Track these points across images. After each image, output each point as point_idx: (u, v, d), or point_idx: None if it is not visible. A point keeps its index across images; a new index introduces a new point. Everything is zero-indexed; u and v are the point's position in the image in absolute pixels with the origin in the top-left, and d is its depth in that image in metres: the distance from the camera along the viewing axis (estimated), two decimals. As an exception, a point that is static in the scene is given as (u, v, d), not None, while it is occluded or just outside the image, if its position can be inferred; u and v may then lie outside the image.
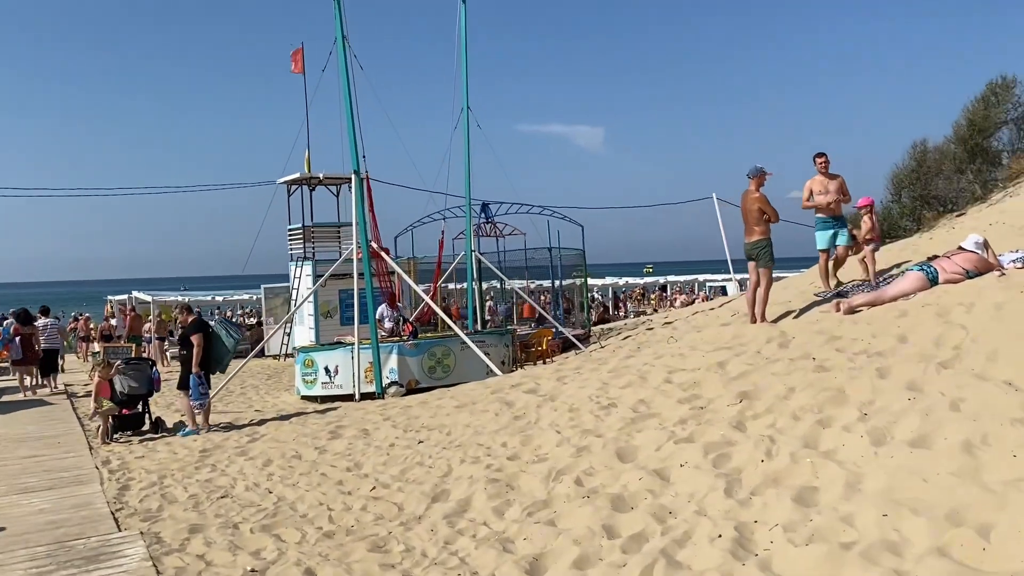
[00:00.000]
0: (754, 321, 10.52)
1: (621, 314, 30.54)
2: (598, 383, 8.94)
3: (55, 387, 16.94)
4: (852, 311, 8.77)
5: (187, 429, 10.65)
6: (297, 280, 24.57)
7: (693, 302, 27.24)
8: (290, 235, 26.19)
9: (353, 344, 13.86)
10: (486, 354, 14.00)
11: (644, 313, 32.53)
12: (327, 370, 13.78)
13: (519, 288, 20.77)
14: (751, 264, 10.39)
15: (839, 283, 10.79)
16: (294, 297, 24.84)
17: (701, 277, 39.62)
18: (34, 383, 16.57)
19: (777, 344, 8.31)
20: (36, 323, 18.41)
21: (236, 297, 29.77)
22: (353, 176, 13.03)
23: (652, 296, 37.05)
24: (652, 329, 19.45)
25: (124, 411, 10.94)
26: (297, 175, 24.80)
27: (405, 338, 14.48)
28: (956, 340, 6.35)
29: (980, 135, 20.06)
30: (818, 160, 10.42)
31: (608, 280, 39.63)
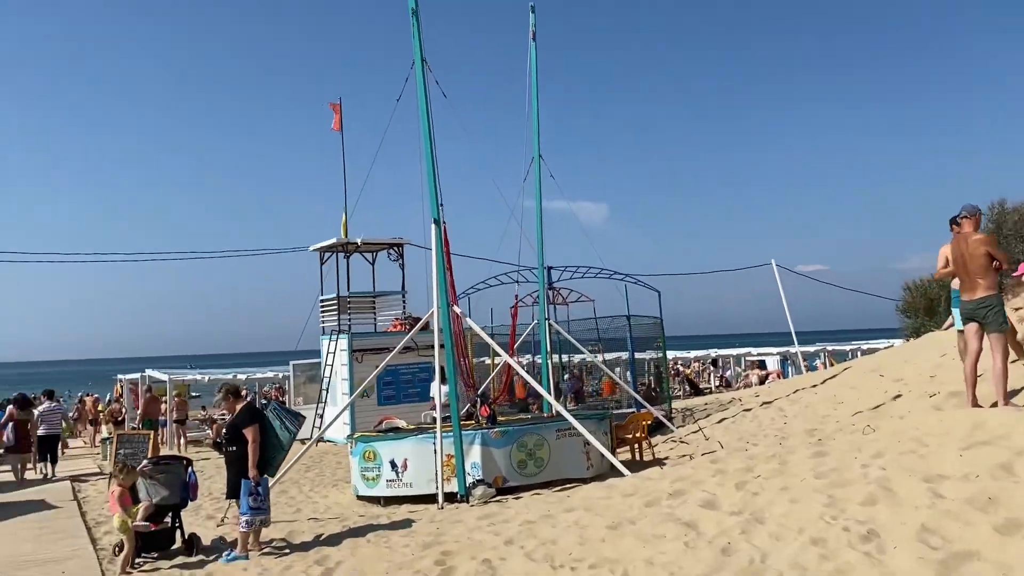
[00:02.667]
0: (975, 403, 8.06)
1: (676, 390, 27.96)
2: (813, 493, 6.44)
3: (51, 475, 16.01)
4: None
5: (233, 553, 8.06)
6: (331, 355, 22.16)
7: (767, 378, 24.77)
8: (323, 306, 23.89)
9: (427, 432, 11.32)
10: (585, 444, 11.44)
11: (708, 390, 29.91)
12: (393, 464, 11.21)
13: (597, 362, 18.22)
14: (971, 328, 7.97)
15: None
16: (326, 374, 22.40)
17: (733, 352, 37.12)
18: (23, 470, 15.81)
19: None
20: (38, 407, 17.29)
21: (260, 375, 27.29)
22: (433, 227, 10.72)
23: (690, 370, 34.40)
24: (751, 410, 16.93)
25: (150, 526, 8.39)
26: (333, 241, 22.66)
27: (484, 423, 11.96)
28: None
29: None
30: (956, 225, 8.25)
31: (648, 354, 37.02)
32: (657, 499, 7.55)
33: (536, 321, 16.02)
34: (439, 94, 11.11)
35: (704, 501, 7.02)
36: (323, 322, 23.70)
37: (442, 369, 16.58)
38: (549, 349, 15.54)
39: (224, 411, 9.09)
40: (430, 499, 10.77)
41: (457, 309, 11.26)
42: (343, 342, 22.00)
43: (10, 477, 16.15)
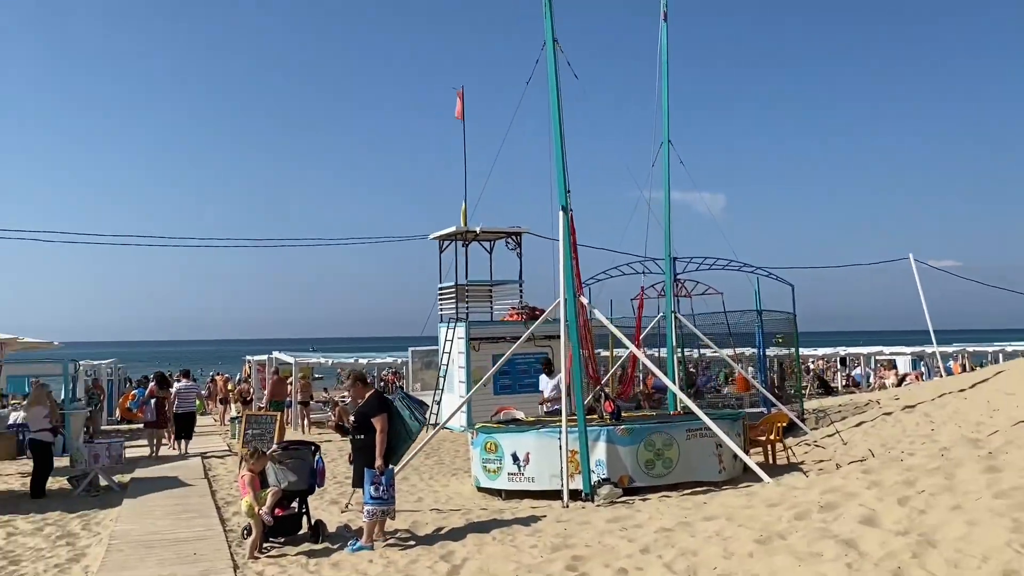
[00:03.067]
0: None
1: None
2: (994, 516, 5.71)
3: (184, 451, 16.84)
4: None
5: (358, 543, 7.95)
6: (449, 343, 22.18)
7: (904, 379, 23.24)
8: (441, 294, 23.96)
9: (549, 425, 10.98)
10: (717, 445, 10.83)
11: (836, 390, 28.41)
12: (515, 458, 10.93)
13: (727, 358, 17.44)
14: None
15: None
16: (443, 361, 22.45)
17: (865, 350, 35.06)
18: (159, 445, 16.88)
19: None
20: (175, 386, 18.10)
21: (379, 360, 27.73)
22: (560, 214, 10.32)
23: (817, 368, 32.70)
24: (891, 413, 15.79)
25: (278, 511, 8.39)
26: (452, 229, 22.65)
27: (608, 418, 11.52)
28: None
29: None
30: None
31: (771, 351, 35.52)
32: (807, 511, 6.93)
33: (661, 314, 15.41)
34: (568, 77, 10.70)
35: (863, 517, 6.37)
36: (441, 310, 23.77)
37: (548, 362, 16.26)
38: (675, 343, 14.91)
39: (349, 395, 8.99)
40: (552, 495, 10.44)
41: (584, 300, 10.83)
42: (460, 330, 21.98)
43: (147, 451, 17.00)
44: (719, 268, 17.30)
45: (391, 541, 8.27)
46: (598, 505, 9.70)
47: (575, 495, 10.08)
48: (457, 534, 8.42)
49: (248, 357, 34.70)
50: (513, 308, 23.12)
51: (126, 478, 13.71)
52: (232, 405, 29.19)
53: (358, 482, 8.01)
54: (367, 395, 8.19)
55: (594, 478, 10.24)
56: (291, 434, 19.72)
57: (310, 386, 25.00)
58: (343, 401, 26.39)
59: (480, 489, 11.48)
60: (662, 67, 14.73)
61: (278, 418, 16.62)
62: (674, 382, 14.05)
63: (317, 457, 8.44)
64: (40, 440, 12.34)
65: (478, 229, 22.39)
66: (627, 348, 19.24)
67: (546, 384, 15.54)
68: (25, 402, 16.25)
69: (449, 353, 22.19)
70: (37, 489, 12.18)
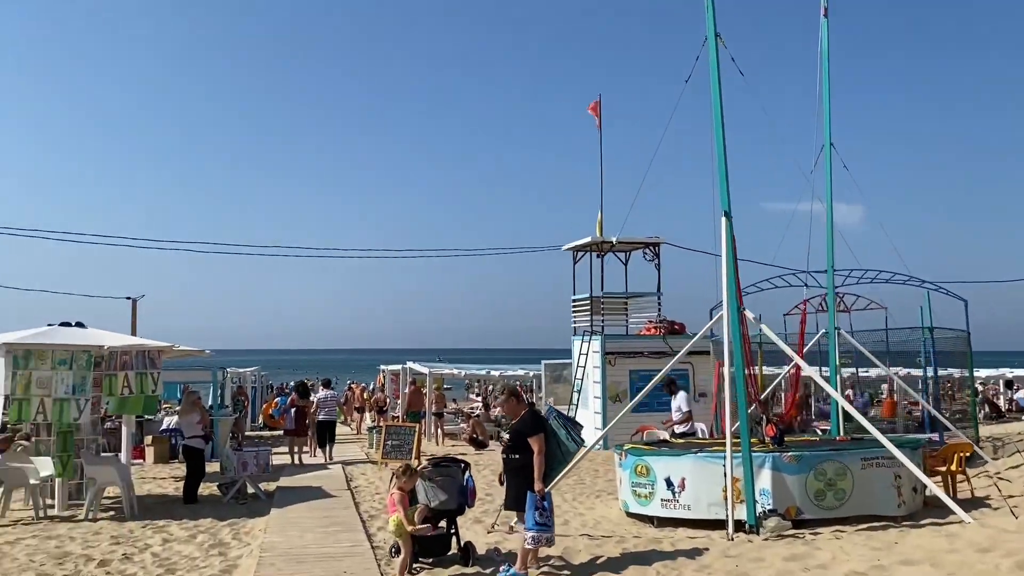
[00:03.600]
0: None
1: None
2: None
3: (329, 457, 17.28)
4: None
5: (511, 569, 7.49)
6: (583, 356, 21.62)
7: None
8: (575, 306, 23.46)
9: (708, 449, 10.23)
10: (896, 476, 9.78)
11: (1004, 416, 26.01)
12: (668, 483, 10.23)
13: (896, 377, 16.10)
14: None
15: None
16: (578, 375, 21.92)
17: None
18: (300, 452, 17.25)
19: None
20: (316, 395, 18.66)
21: (510, 372, 27.51)
22: (723, 220, 9.59)
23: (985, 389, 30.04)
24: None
25: (430, 528, 8.06)
26: (587, 239, 22.13)
27: (770, 443, 10.66)
28: None
29: None
30: None
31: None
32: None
33: (822, 331, 14.33)
34: (730, 74, 9.99)
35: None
36: (575, 322, 23.27)
37: (671, 382, 15.35)
38: (838, 362, 13.78)
39: (500, 410, 8.55)
40: (710, 525, 9.68)
41: (750, 314, 10.03)
42: (595, 344, 21.40)
43: (288, 459, 17.28)
44: (881, 281, 16.03)
45: (545, 569, 7.79)
46: (765, 538, 8.88)
47: (738, 526, 9.29)
48: (615, 565, 7.84)
49: (383, 367, 35.30)
50: (650, 321, 22.35)
51: (272, 486, 13.87)
52: (368, 414, 29.71)
53: (512, 504, 7.56)
54: (522, 413, 7.74)
55: (758, 508, 9.42)
56: (425, 446, 19.63)
57: (444, 397, 25.04)
58: (472, 412, 26.36)
59: (629, 514, 10.84)
60: (822, 66, 13.72)
61: (417, 429, 16.54)
62: (837, 405, 12.96)
63: (467, 475, 8.06)
64: (193, 447, 12.61)
65: (614, 240, 21.76)
66: (777, 367, 18.17)
67: (677, 404, 14.97)
68: (179, 409, 16.81)
69: (584, 367, 21.64)
70: (190, 495, 12.43)
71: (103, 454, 14.13)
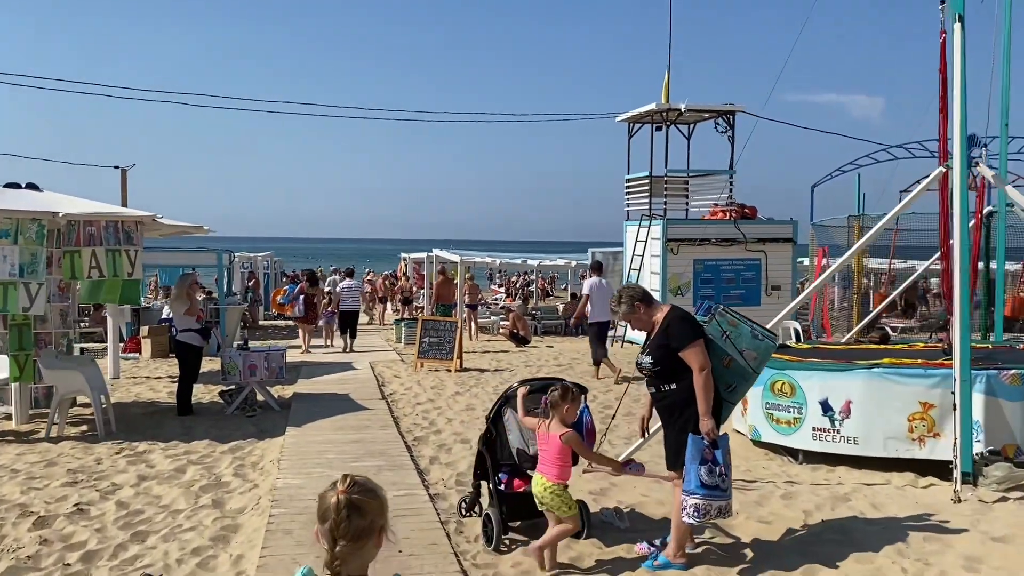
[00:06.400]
0: None
1: None
2: None
3: (350, 347, 16.72)
4: None
5: (661, 557, 4.81)
6: (642, 244, 18.73)
7: None
8: (628, 187, 20.39)
9: (883, 363, 7.43)
10: None
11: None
12: (825, 406, 7.49)
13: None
14: None
15: None
16: (631, 265, 19.09)
17: None
18: (308, 341, 16.55)
19: None
20: (340, 284, 17.98)
21: (549, 263, 24.68)
22: (956, 26, 6.39)
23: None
24: None
25: (517, 483, 5.40)
26: (652, 106, 18.83)
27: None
28: None
29: None
30: None
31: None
32: None
33: (989, 207, 11.13)
34: None
35: None
36: (628, 205, 20.29)
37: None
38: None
39: (621, 319, 5.60)
40: (883, 465, 7.04)
41: (987, 170, 6.98)
42: (656, 229, 18.47)
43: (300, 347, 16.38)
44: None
45: (699, 550, 5.12)
46: (995, 493, 6.20)
47: (927, 469, 6.58)
48: (806, 540, 5.18)
49: (404, 255, 32.57)
50: (716, 204, 19.33)
51: (288, 391, 11.34)
52: (390, 303, 27.17)
53: (674, 461, 4.80)
54: (662, 317, 4.89)
55: (975, 449, 6.70)
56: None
57: (478, 288, 22.28)
58: (514, 305, 23.72)
59: (758, 443, 8.17)
60: None
61: (459, 325, 13.84)
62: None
63: (583, 407, 5.26)
64: (186, 343, 9.93)
65: (683, 106, 18.50)
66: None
67: None
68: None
69: (641, 256, 18.79)
70: (183, 404, 9.87)
71: (78, 353, 11.55)
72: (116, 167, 22.94)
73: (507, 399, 5.38)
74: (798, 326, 13.97)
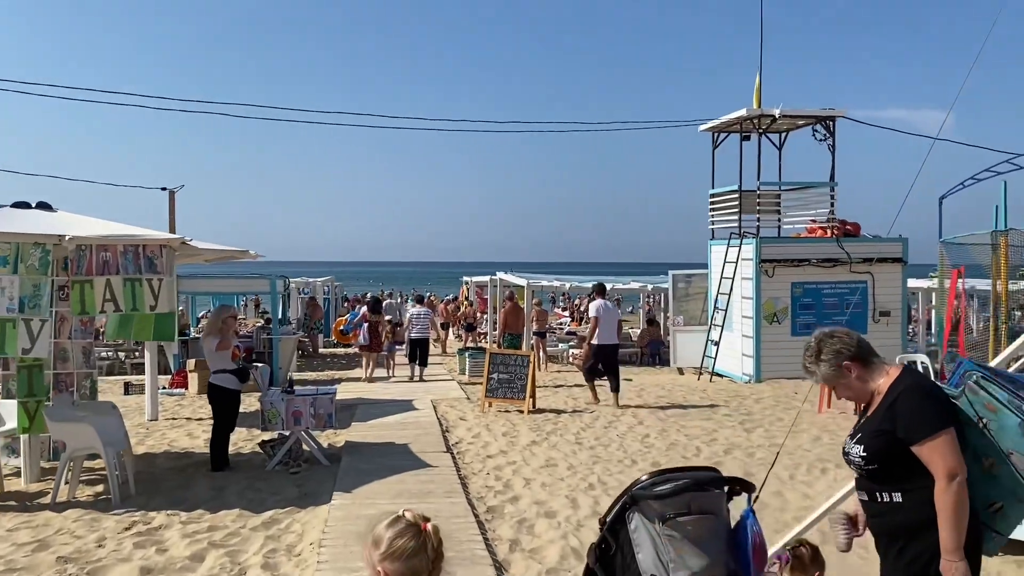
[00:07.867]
0: None
1: None
2: None
3: (419, 377, 16.18)
4: None
5: None
6: (731, 266, 16.91)
7: None
8: (713, 203, 18.60)
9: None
10: None
11: None
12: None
13: None
14: None
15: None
16: (719, 289, 17.28)
17: None
18: (372, 369, 16.35)
19: None
20: (409, 311, 17.52)
21: (622, 286, 22.95)
22: None
23: None
24: None
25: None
26: (741, 112, 17.07)
27: None
28: None
29: None
30: None
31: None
32: None
33: None
34: None
35: None
36: (713, 223, 18.50)
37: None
38: None
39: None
40: None
41: None
42: (747, 249, 16.65)
43: (359, 376, 16.12)
44: None
45: None
46: None
47: None
48: None
49: (466, 278, 31.16)
50: (814, 221, 17.42)
51: (340, 437, 9.88)
52: (452, 329, 25.74)
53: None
54: (887, 386, 3.15)
55: None
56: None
57: (546, 314, 20.65)
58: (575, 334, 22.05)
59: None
60: None
61: (532, 360, 12.20)
62: None
63: (747, 513, 3.56)
64: (219, 386, 8.49)
65: (776, 112, 16.70)
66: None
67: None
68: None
69: (731, 279, 16.97)
70: (216, 459, 8.43)
71: (122, 390, 10.27)
72: (163, 188, 22.04)
73: (634, 500, 3.71)
74: (926, 359, 11.98)
